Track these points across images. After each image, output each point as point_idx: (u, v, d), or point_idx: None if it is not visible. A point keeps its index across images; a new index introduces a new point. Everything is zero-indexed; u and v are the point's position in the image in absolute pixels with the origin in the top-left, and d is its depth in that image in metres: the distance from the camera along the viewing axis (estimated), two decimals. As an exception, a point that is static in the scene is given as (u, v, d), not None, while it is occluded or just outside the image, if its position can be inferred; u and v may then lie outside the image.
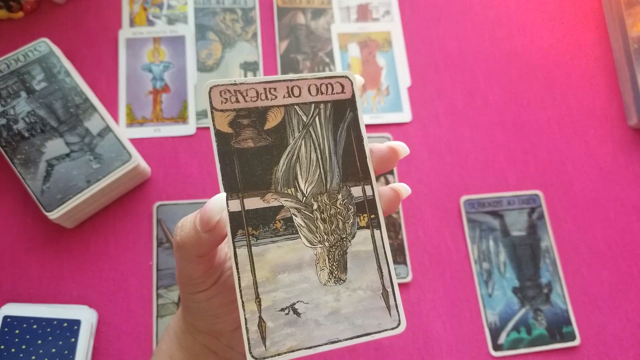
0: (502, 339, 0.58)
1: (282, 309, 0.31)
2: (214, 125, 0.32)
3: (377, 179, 0.54)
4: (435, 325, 0.58)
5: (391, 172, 0.63)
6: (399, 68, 0.68)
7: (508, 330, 0.58)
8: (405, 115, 0.66)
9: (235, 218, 0.31)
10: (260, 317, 0.30)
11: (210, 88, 0.33)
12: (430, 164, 0.64)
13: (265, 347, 0.30)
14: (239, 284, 0.31)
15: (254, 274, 0.31)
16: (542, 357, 0.58)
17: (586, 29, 0.73)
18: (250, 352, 0.30)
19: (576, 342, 0.58)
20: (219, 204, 0.31)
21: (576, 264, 0.62)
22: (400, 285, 0.59)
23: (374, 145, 0.35)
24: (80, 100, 0.57)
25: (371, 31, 0.69)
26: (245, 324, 0.30)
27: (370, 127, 0.65)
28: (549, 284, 0.60)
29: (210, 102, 0.33)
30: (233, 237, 0.31)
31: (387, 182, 0.63)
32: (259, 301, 0.31)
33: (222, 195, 0.31)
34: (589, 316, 0.60)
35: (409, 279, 0.59)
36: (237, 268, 0.31)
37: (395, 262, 0.59)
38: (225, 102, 0.33)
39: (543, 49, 0.71)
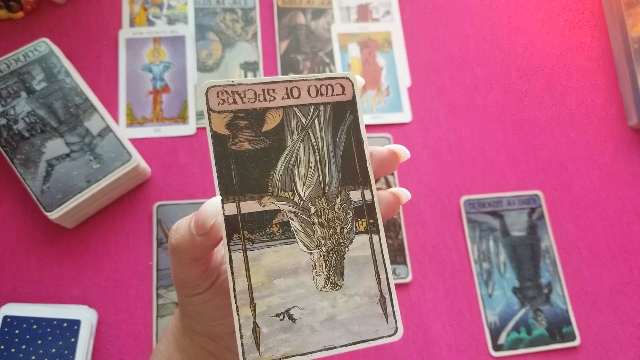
0: (502, 339, 0.58)
1: (277, 315, 0.31)
2: (210, 126, 0.32)
3: (377, 179, 0.54)
4: (435, 325, 0.58)
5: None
6: (399, 68, 0.68)
7: (508, 331, 0.58)
8: (405, 115, 0.66)
9: (230, 221, 0.31)
10: (254, 322, 0.30)
11: (208, 89, 0.32)
12: (430, 164, 0.64)
13: (259, 352, 0.30)
14: (234, 289, 0.30)
15: (249, 278, 0.31)
16: (542, 357, 0.58)
17: (586, 29, 0.73)
18: (244, 358, 0.29)
19: (576, 342, 0.58)
20: (214, 208, 0.31)
21: (576, 264, 0.62)
22: (400, 285, 0.59)
23: (375, 149, 0.34)
24: (80, 100, 0.57)
25: (371, 31, 0.69)
26: (240, 329, 0.30)
27: (370, 127, 0.65)
28: (549, 284, 0.60)
29: (207, 103, 0.32)
30: (228, 241, 0.31)
31: (387, 182, 0.63)
32: (254, 306, 0.30)
33: (218, 198, 0.31)
34: (589, 316, 0.60)
35: (409, 279, 0.59)
36: (232, 272, 0.31)
37: (395, 262, 0.59)
38: (222, 103, 0.32)
39: (543, 49, 0.71)
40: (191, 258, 0.33)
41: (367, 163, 0.34)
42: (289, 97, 0.33)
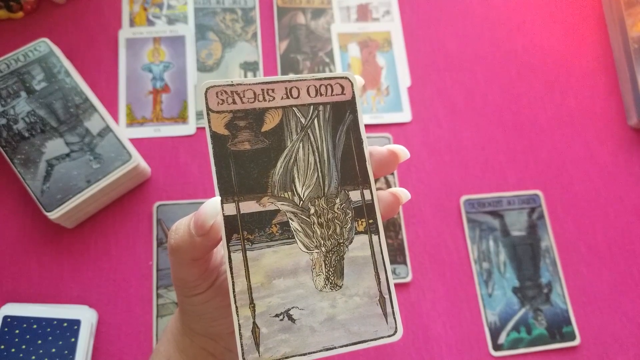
0: (502, 338, 0.58)
1: (277, 315, 0.30)
2: (209, 126, 0.32)
3: (377, 179, 0.54)
4: (435, 325, 0.58)
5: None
6: (399, 68, 0.68)
7: (508, 330, 0.58)
8: (405, 115, 0.66)
9: (230, 222, 0.31)
10: (254, 322, 0.30)
11: (207, 89, 0.32)
12: (430, 164, 0.64)
13: (258, 353, 0.30)
14: (233, 289, 0.30)
15: (249, 279, 0.31)
16: (542, 357, 0.58)
17: (586, 29, 0.73)
18: (244, 358, 0.29)
19: (576, 342, 0.58)
20: (213, 208, 0.31)
21: (576, 264, 0.62)
22: (400, 285, 0.59)
23: (374, 149, 0.34)
24: (80, 100, 0.57)
25: (371, 31, 0.69)
26: (239, 329, 0.30)
27: (370, 127, 0.65)
28: (549, 284, 0.60)
29: (207, 103, 0.32)
30: (227, 242, 0.31)
31: (387, 182, 0.63)
32: (253, 307, 0.30)
33: (217, 198, 0.31)
34: (589, 316, 0.60)
35: (409, 279, 0.59)
36: (232, 273, 0.30)
37: (395, 262, 0.59)
38: (221, 104, 0.32)
39: (543, 49, 0.71)
40: (191, 258, 0.33)
41: (367, 163, 0.34)
42: (288, 97, 0.33)
